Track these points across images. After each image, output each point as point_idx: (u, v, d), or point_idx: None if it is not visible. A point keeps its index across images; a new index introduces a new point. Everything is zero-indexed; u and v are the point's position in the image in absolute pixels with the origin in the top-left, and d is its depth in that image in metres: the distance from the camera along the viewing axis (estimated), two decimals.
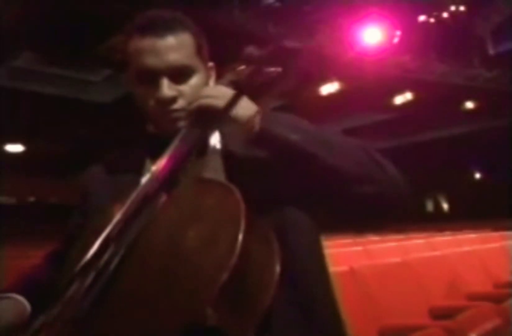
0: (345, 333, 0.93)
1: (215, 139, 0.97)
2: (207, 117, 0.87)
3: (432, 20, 7.36)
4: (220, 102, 0.84)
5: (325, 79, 9.64)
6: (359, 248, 4.97)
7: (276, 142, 0.81)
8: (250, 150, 0.86)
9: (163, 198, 0.79)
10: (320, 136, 0.85)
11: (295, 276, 0.85)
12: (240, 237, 0.66)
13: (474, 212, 13.04)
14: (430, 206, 17.77)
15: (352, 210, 0.87)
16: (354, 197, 0.82)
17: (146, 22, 0.94)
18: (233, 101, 0.77)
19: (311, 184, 0.83)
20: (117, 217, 0.79)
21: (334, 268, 2.86)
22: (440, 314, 3.04)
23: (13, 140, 12.79)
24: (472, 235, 7.38)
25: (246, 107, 0.83)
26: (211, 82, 1.01)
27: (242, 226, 0.67)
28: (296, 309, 0.86)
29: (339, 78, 9.70)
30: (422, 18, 7.38)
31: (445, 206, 17.62)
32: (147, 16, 0.96)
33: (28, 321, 0.80)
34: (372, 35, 7.17)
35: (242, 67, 1.02)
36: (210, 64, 1.02)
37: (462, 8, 7.42)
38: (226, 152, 0.94)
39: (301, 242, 0.91)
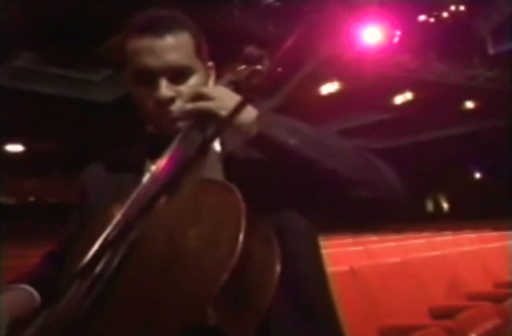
0: (342, 334, 0.93)
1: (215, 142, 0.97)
2: (206, 119, 0.87)
3: (432, 20, 7.36)
4: (219, 105, 0.84)
5: (325, 79, 9.64)
6: (359, 248, 4.97)
7: (273, 145, 0.81)
8: (248, 151, 0.86)
9: (163, 198, 0.79)
10: (318, 140, 0.85)
11: (293, 277, 0.85)
12: (241, 237, 0.66)
13: (474, 212, 13.04)
14: (430, 206, 17.77)
15: (350, 213, 0.88)
16: (351, 201, 0.83)
17: (145, 21, 0.94)
18: (236, 110, 0.76)
19: (308, 186, 0.83)
20: (117, 217, 0.79)
21: (334, 268, 2.86)
22: (440, 314, 3.04)
23: (13, 140, 12.79)
24: (472, 235, 7.38)
25: (245, 110, 0.83)
26: (211, 82, 1.01)
27: (243, 226, 0.67)
28: (293, 310, 0.86)
29: (339, 78, 9.70)
30: (422, 18, 7.38)
31: (445, 206, 17.62)
32: (146, 15, 0.96)
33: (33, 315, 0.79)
34: (372, 35, 7.17)
35: (242, 67, 1.01)
36: (210, 64, 1.02)
37: (462, 8, 7.42)
38: (225, 153, 0.95)
39: (299, 242, 0.91)
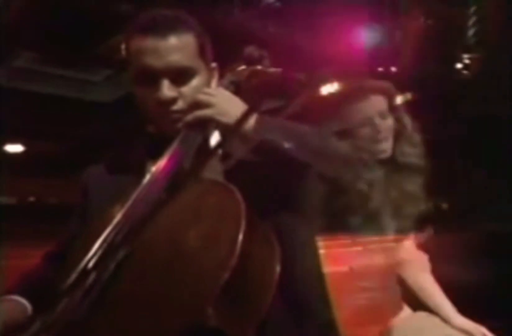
0: (339, 335, 0.94)
1: (214, 141, 0.97)
2: (205, 124, 0.87)
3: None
4: (217, 111, 0.85)
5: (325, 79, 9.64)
6: (359, 248, 4.96)
7: (268, 149, 0.82)
8: (245, 153, 0.86)
9: (164, 198, 0.79)
10: (312, 144, 0.86)
11: (290, 278, 0.86)
12: (241, 237, 0.66)
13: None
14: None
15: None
16: None
17: (148, 21, 0.94)
18: (241, 121, 0.77)
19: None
20: (118, 217, 0.79)
21: (334, 268, 2.86)
22: None
23: (13, 140, 12.77)
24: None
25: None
26: (214, 83, 1.01)
27: (243, 226, 0.68)
28: (290, 311, 0.86)
29: (339, 78, 9.70)
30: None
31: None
32: (149, 15, 0.96)
33: (27, 322, 0.79)
34: (372, 35, 7.17)
35: (242, 67, 1.02)
36: (213, 65, 1.02)
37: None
38: (224, 154, 0.95)
39: (297, 243, 0.91)
